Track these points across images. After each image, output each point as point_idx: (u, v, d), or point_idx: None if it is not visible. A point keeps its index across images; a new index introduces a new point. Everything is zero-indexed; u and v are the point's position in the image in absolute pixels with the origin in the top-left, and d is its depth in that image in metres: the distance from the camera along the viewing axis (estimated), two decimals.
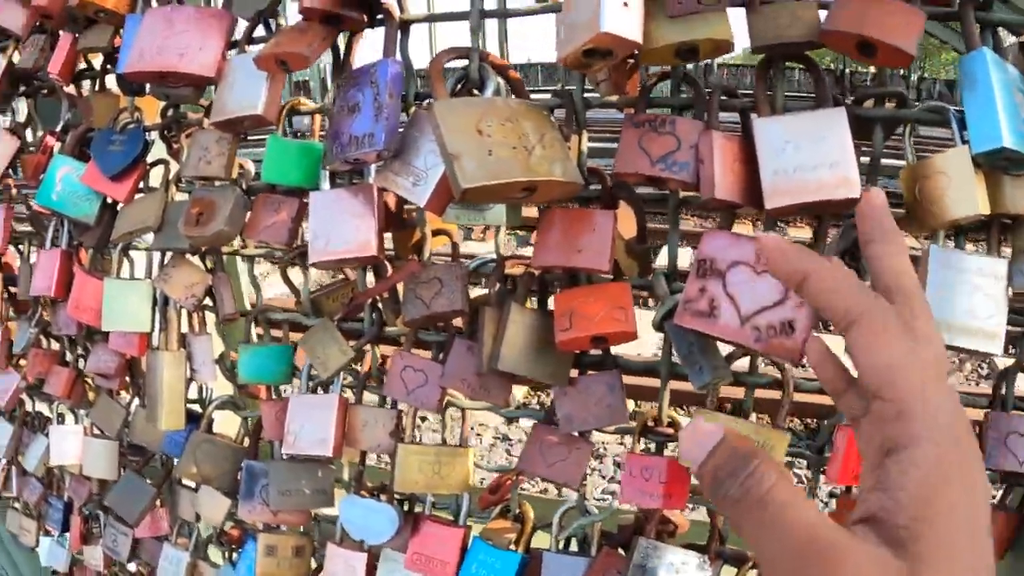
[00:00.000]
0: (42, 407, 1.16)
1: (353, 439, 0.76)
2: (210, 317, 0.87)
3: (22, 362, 1.09)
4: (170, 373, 0.83)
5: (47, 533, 1.19)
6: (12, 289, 1.07)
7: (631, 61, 0.64)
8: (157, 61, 0.69)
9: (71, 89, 0.90)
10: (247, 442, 0.90)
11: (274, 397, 0.83)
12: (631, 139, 0.60)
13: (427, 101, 0.64)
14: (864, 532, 0.35)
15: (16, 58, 0.89)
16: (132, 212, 0.81)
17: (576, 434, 0.68)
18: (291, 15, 0.69)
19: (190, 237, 0.74)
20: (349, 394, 0.78)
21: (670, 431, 0.68)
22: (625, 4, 0.52)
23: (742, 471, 0.36)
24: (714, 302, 0.56)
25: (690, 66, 0.61)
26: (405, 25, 0.65)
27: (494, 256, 0.69)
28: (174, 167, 0.81)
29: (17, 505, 1.25)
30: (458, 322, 0.71)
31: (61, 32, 0.85)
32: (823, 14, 0.55)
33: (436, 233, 0.71)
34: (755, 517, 0.36)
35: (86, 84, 0.89)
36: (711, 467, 0.38)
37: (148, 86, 0.78)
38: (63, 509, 1.13)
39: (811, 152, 0.55)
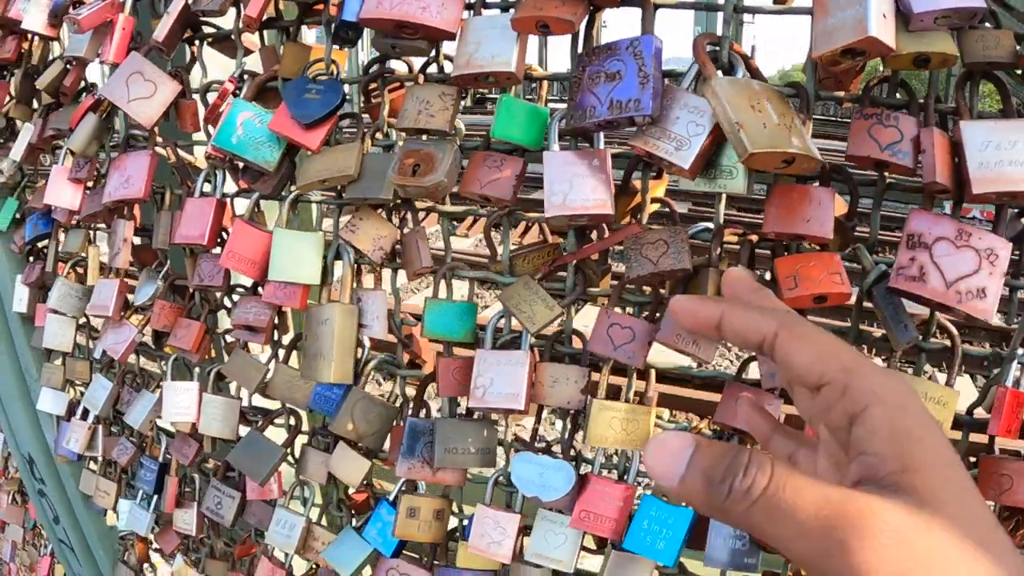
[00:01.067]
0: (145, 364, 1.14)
1: (540, 395, 0.80)
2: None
3: (134, 317, 1.07)
4: (343, 326, 0.84)
5: (125, 496, 1.16)
6: (136, 241, 1.05)
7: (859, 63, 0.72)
8: (398, 11, 0.72)
9: (252, 42, 0.90)
10: (399, 403, 0.91)
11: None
12: (861, 128, 0.69)
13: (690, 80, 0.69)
14: (867, 488, 0.36)
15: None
16: (325, 160, 0.82)
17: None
18: None
19: (404, 187, 0.76)
20: None
21: None
22: (884, 16, 0.61)
23: (737, 469, 0.36)
24: (923, 269, 0.66)
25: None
26: (656, 7, 0.70)
27: (710, 225, 0.75)
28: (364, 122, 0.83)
29: (94, 466, 1.21)
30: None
31: None
32: None
33: (654, 201, 0.76)
34: (767, 513, 0.35)
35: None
36: (699, 476, 0.36)
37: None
38: (157, 471, 1.10)
39: (1008, 151, 0.65)
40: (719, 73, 0.66)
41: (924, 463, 0.36)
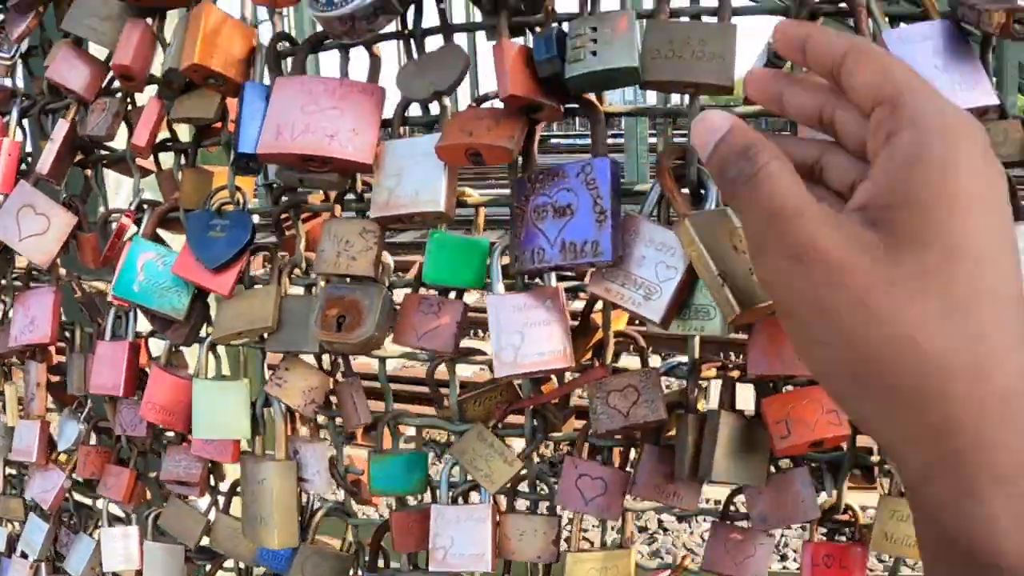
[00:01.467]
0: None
1: (507, 549, 0.65)
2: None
3: (62, 458, 0.89)
4: (282, 487, 0.68)
5: None
6: (52, 378, 0.87)
7: None
8: (302, 143, 0.55)
9: (148, 162, 0.73)
10: (353, 551, 0.75)
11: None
12: None
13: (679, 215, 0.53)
14: (849, 214, 0.31)
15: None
16: (240, 309, 0.66)
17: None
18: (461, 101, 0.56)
19: (331, 344, 0.60)
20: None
21: (846, 517, 0.62)
22: None
23: (741, 156, 0.33)
24: None
25: None
26: (608, 118, 0.55)
27: (684, 359, 0.60)
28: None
29: None
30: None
31: (144, 97, 0.68)
32: None
33: (618, 336, 0.61)
34: (744, 193, 0.32)
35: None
36: (716, 158, 0.34)
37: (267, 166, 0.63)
38: None
39: None
40: (689, 206, 0.51)
41: (926, 204, 0.28)
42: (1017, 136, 0.54)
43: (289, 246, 0.67)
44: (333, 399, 0.68)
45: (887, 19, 0.54)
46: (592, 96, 0.55)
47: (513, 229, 0.55)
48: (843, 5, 0.53)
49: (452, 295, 0.60)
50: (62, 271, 0.80)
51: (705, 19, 0.53)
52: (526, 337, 0.55)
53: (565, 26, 0.53)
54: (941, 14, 0.54)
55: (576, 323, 0.61)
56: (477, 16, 0.57)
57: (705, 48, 0.50)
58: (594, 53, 0.49)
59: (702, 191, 0.54)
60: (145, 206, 0.72)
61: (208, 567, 0.85)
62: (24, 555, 1.01)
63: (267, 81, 0.63)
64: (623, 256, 0.52)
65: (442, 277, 0.58)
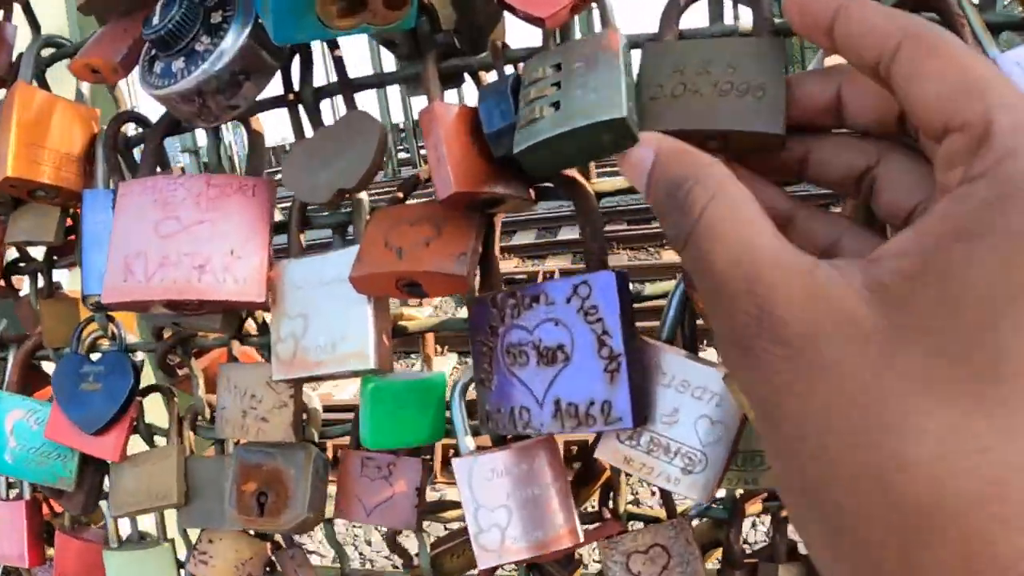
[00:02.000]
0: None
1: None
2: None
3: None
4: None
5: None
6: None
7: None
8: (161, 285, 0.34)
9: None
10: None
11: None
12: None
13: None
14: (848, 266, 0.18)
15: None
16: (138, 478, 0.44)
17: None
18: None
19: (251, 528, 0.39)
20: None
21: None
22: None
23: (672, 202, 0.21)
24: None
25: None
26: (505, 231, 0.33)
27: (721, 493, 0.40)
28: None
29: None
30: None
31: None
32: None
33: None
34: (688, 249, 0.20)
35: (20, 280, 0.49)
36: (652, 201, 0.23)
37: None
38: None
39: None
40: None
41: (986, 297, 0.16)
42: None
43: (185, 387, 0.45)
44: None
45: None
46: (573, 170, 0.33)
47: (478, 372, 0.34)
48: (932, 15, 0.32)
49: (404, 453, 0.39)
50: None
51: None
52: (515, 514, 0.35)
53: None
54: None
55: (578, 466, 0.41)
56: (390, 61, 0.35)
57: (737, 76, 0.28)
58: (556, 105, 0.28)
59: None
60: (8, 344, 0.49)
61: None
62: None
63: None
64: (649, 403, 0.32)
65: (388, 441, 0.37)
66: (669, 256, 4.19)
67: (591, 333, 0.31)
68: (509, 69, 0.33)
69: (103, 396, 0.43)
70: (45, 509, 0.56)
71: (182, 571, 0.50)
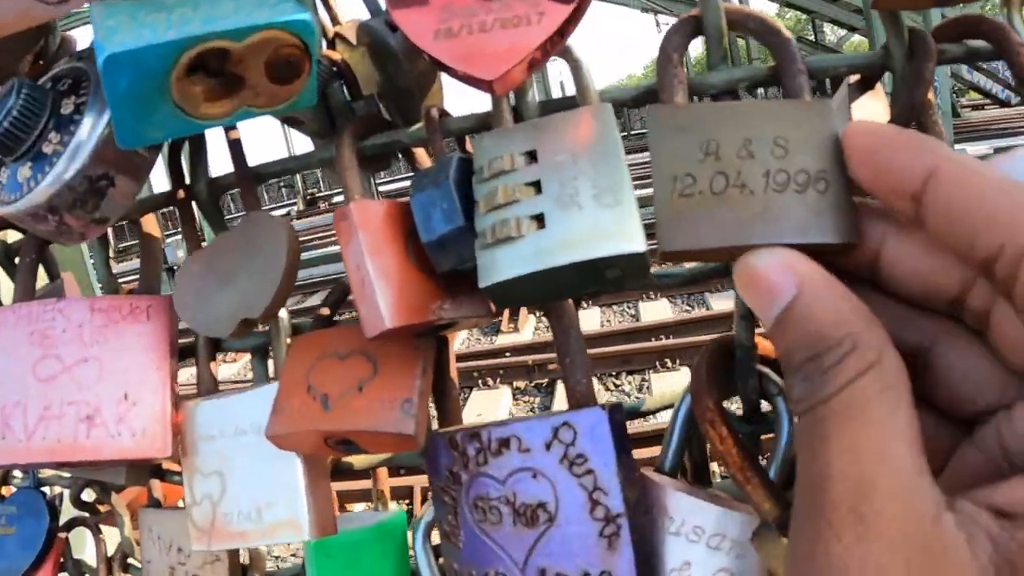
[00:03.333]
0: None
1: None
2: None
3: None
4: None
5: None
6: None
7: None
8: (42, 445, 0.29)
9: None
10: None
11: None
12: None
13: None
14: (977, 528, 0.15)
15: None
16: None
17: None
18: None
19: None
20: None
21: None
22: None
23: (812, 360, 0.18)
24: None
25: None
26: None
27: None
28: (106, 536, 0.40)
29: None
30: None
31: None
32: None
33: None
34: (807, 417, 0.17)
35: None
36: (783, 349, 0.19)
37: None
38: None
39: None
40: (767, 497, 0.25)
41: None
42: None
43: (111, 523, 0.41)
44: None
45: None
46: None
47: (441, 520, 0.29)
48: (980, 43, 0.26)
49: None
50: None
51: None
52: None
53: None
54: None
55: None
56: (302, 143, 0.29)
57: (790, 162, 0.22)
58: (539, 219, 0.22)
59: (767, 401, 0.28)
60: None
61: None
62: None
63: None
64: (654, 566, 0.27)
65: None
66: (651, 316, 3.58)
67: (580, 489, 0.26)
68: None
69: (17, 541, 0.40)
70: None
71: None
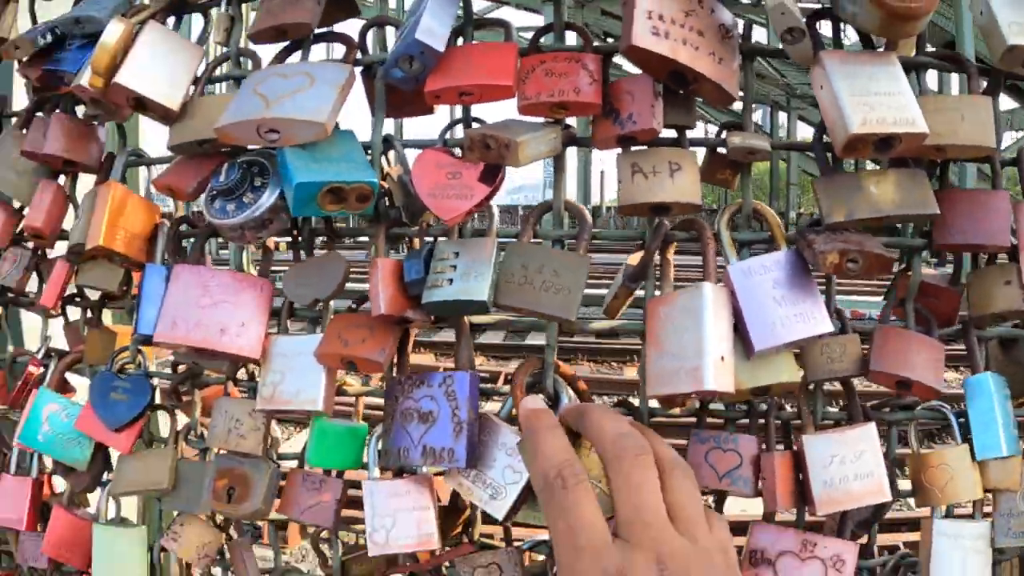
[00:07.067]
0: None
1: None
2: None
3: None
4: None
5: None
6: None
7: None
8: (195, 336, 0.76)
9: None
10: None
11: None
12: (698, 454, 0.75)
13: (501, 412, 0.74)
14: None
15: None
16: (138, 468, 0.86)
17: None
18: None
19: (222, 512, 0.81)
20: None
21: None
22: (722, 358, 0.65)
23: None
24: None
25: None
26: (473, 329, 0.76)
27: (546, 536, 0.81)
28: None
29: None
30: None
31: (53, 257, 0.90)
32: None
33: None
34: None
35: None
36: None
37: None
38: None
39: (853, 464, 0.72)
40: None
41: None
42: (855, 350, 0.75)
43: (186, 411, 0.88)
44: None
45: (736, 246, 0.75)
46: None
47: (385, 424, 0.76)
48: (684, 235, 0.74)
49: (333, 473, 0.81)
50: None
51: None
52: (398, 521, 0.76)
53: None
54: (787, 239, 0.74)
55: (446, 503, 0.82)
56: None
57: (556, 280, 0.70)
58: (451, 281, 0.70)
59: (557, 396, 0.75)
60: (52, 354, 0.93)
61: None
62: None
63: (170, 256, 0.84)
64: (480, 458, 0.73)
65: (324, 461, 0.79)
66: (631, 373, 6.18)
67: (449, 408, 0.72)
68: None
69: (126, 405, 0.86)
70: (45, 489, 0.99)
71: (150, 552, 0.91)
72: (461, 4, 0.76)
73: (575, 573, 0.55)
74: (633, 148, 0.72)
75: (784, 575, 0.74)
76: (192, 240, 0.84)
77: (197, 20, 0.89)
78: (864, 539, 0.79)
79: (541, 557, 0.82)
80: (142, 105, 0.80)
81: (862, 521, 0.80)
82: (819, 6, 0.72)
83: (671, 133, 0.73)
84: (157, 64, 0.81)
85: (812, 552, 0.74)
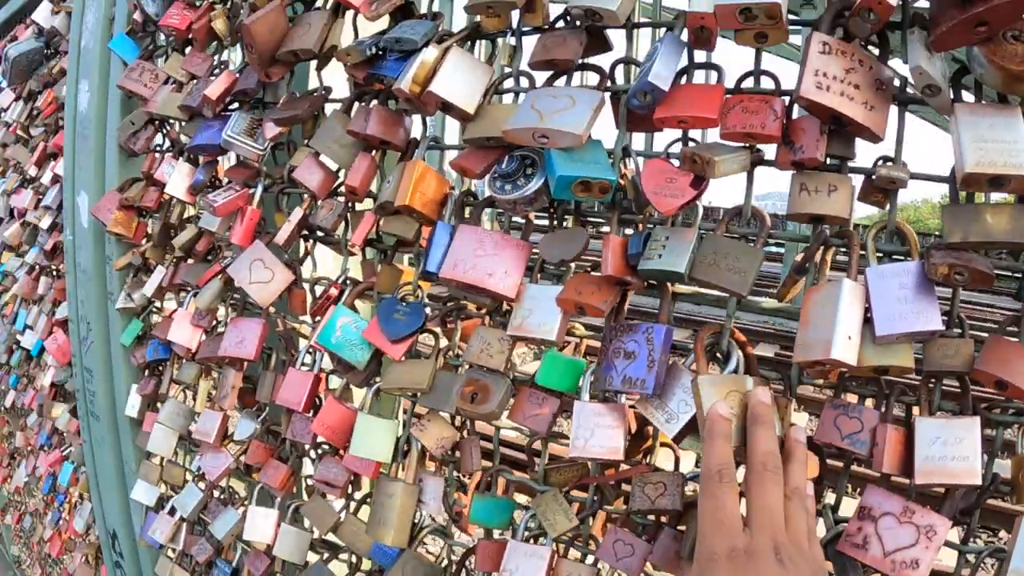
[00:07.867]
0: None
1: None
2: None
3: (230, 445, 1.52)
4: (405, 502, 1.24)
5: None
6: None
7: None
8: (470, 275, 1.12)
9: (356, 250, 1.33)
10: (444, 565, 1.31)
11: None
12: (829, 417, 1.01)
13: (692, 368, 1.05)
14: None
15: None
16: (404, 371, 1.23)
17: None
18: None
19: (463, 411, 1.16)
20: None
21: None
22: (849, 337, 0.93)
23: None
24: (867, 539, 0.97)
25: None
26: (675, 296, 1.07)
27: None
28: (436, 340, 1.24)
29: (171, 555, 1.68)
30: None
31: (360, 209, 1.29)
32: None
33: (664, 444, 1.12)
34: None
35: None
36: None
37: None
38: (230, 573, 1.55)
39: (954, 447, 0.95)
40: (707, 370, 1.02)
41: None
42: (967, 351, 0.99)
43: (448, 335, 1.24)
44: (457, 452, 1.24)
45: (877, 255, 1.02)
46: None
47: (599, 359, 1.08)
48: (839, 241, 1.02)
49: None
50: (271, 310, 1.43)
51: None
52: (595, 433, 1.08)
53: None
54: (920, 254, 1.01)
55: (634, 432, 1.14)
56: None
57: (737, 264, 1.00)
58: (660, 256, 1.02)
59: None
60: (348, 282, 1.32)
61: (326, 555, 1.44)
62: (171, 512, 1.67)
63: (453, 221, 1.21)
64: (663, 390, 1.04)
65: (549, 383, 1.12)
66: None
67: (647, 349, 1.03)
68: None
69: (405, 324, 1.23)
70: (321, 386, 1.38)
71: (398, 439, 1.28)
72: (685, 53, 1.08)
73: (713, 545, 0.81)
74: (804, 171, 1.00)
75: (882, 531, 0.97)
76: (471, 208, 1.20)
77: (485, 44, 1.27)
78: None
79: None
80: (447, 107, 1.17)
81: (965, 509, 1.03)
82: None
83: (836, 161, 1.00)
84: (459, 78, 1.17)
85: (910, 519, 0.96)
